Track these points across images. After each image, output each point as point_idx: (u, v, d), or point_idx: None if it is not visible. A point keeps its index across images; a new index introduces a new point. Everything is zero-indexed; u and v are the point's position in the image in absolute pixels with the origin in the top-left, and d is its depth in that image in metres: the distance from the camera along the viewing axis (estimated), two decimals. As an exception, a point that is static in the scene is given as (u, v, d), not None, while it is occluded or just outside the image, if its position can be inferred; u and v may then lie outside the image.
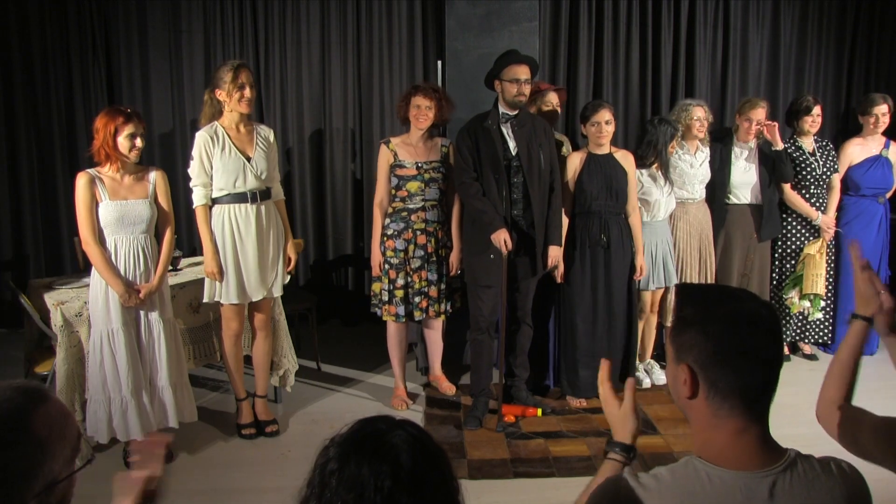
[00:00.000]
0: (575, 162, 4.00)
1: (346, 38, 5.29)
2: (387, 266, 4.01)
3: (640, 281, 4.17)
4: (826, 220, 4.63)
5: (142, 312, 3.36)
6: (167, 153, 5.29)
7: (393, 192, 4.00)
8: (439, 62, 5.29)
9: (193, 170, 3.57)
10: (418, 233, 3.97)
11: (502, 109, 3.79)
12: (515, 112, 3.77)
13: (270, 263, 3.67)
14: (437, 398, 4.24)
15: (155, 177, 3.42)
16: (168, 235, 3.45)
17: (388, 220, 4.02)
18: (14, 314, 4.84)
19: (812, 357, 4.84)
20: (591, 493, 1.29)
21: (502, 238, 3.65)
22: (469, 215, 3.88)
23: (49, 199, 5.26)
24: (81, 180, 3.27)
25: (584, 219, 4.00)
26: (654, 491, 1.22)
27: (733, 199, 4.55)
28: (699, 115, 4.33)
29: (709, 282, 4.37)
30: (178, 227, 4.29)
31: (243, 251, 3.59)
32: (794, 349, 4.92)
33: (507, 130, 3.78)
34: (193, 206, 3.59)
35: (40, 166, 5.20)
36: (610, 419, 1.48)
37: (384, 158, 4.01)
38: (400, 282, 4.00)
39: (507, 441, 3.71)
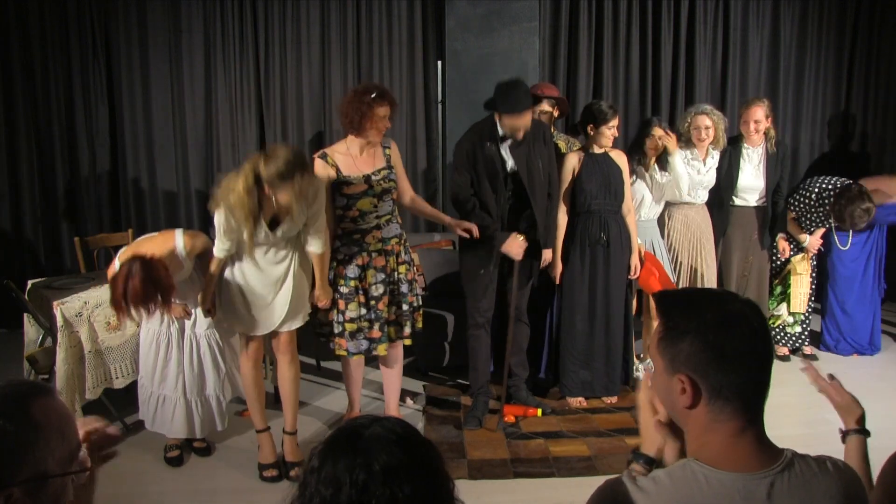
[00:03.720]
0: (573, 162, 4.01)
1: (346, 38, 5.29)
2: (336, 295, 3.51)
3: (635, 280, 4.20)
4: (813, 243, 4.66)
5: (187, 323, 3.43)
6: (166, 153, 5.29)
7: (340, 212, 3.50)
8: (439, 62, 5.30)
9: (218, 234, 3.17)
10: (375, 255, 3.52)
11: (501, 130, 3.70)
12: None
13: (278, 298, 3.31)
14: (437, 398, 4.24)
15: (182, 244, 3.24)
16: (213, 265, 3.29)
17: (337, 243, 3.53)
18: (14, 314, 4.84)
19: (812, 357, 4.84)
20: (590, 497, 1.29)
21: (517, 248, 3.66)
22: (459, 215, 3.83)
23: (49, 199, 5.26)
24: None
25: (584, 218, 4.01)
26: (653, 494, 1.22)
27: (738, 202, 4.56)
28: (702, 124, 4.28)
29: (705, 284, 4.38)
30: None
31: (248, 282, 3.27)
32: (795, 350, 4.92)
33: (504, 147, 3.72)
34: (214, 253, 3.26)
35: (40, 166, 5.20)
36: (642, 428, 1.43)
37: (324, 175, 3.43)
38: (350, 314, 3.51)
39: (507, 441, 3.71)
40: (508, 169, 3.73)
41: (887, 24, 5.80)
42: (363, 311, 3.53)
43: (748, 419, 1.23)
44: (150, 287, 2.96)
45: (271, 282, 3.29)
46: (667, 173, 4.19)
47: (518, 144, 3.72)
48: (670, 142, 4.16)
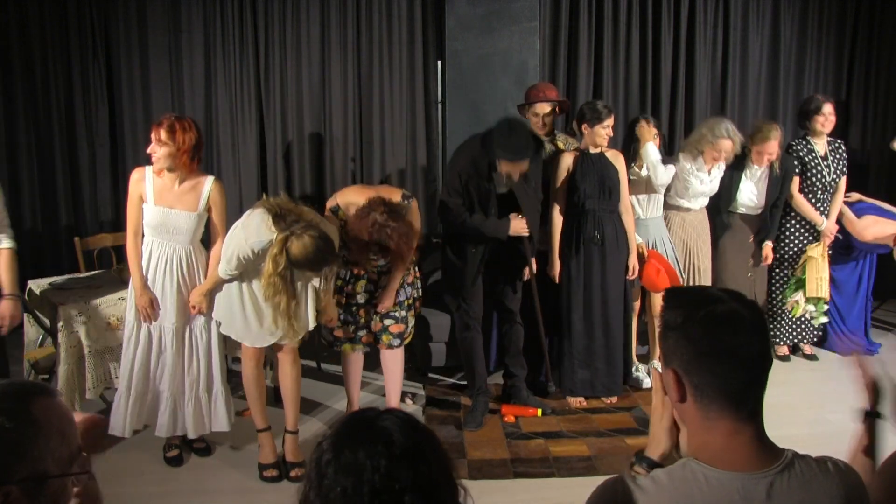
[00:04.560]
0: (568, 161, 4.01)
1: (346, 38, 5.29)
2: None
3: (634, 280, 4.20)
4: (829, 227, 4.62)
5: (172, 318, 3.33)
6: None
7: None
8: (439, 62, 5.30)
9: (231, 257, 3.16)
10: (370, 271, 3.66)
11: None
12: None
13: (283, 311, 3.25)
14: (437, 398, 4.24)
15: (210, 189, 3.28)
16: (216, 251, 3.31)
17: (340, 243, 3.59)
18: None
19: (812, 357, 4.84)
20: (590, 496, 1.30)
21: (520, 226, 3.68)
22: (448, 231, 3.85)
23: (49, 199, 5.25)
24: (133, 176, 3.29)
25: (578, 217, 4.01)
26: (652, 493, 1.22)
27: (739, 210, 4.56)
28: (726, 148, 4.19)
29: (704, 281, 4.40)
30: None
31: (249, 294, 3.29)
32: (795, 349, 4.92)
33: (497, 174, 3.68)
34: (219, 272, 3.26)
35: (40, 166, 5.20)
36: (651, 431, 1.41)
37: (334, 221, 3.51)
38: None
39: (507, 441, 3.71)
40: (499, 192, 3.72)
41: (887, 24, 5.80)
42: (339, 311, 3.64)
43: (741, 418, 1.23)
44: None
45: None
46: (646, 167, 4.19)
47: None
48: (646, 133, 4.16)
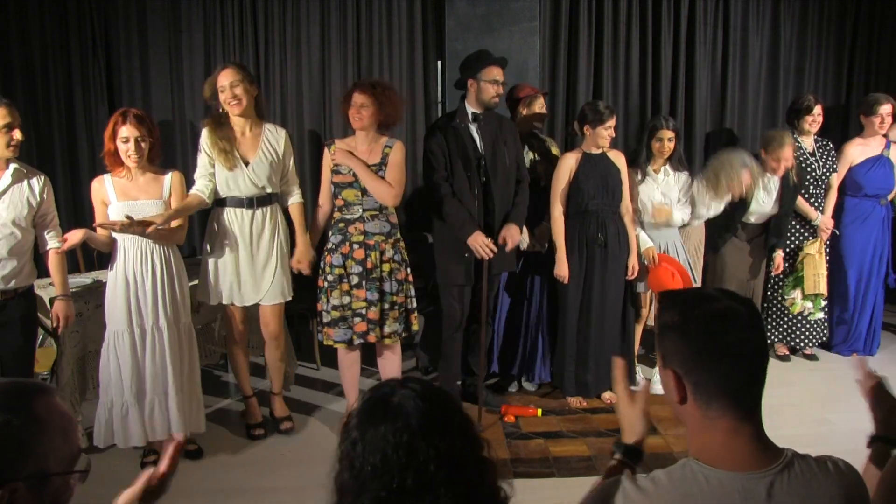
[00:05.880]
0: (570, 162, 4.00)
1: (346, 38, 5.28)
2: (325, 284, 3.66)
3: (636, 283, 4.18)
4: (825, 221, 4.64)
5: (159, 317, 3.30)
6: (167, 153, 5.27)
7: (333, 199, 3.71)
8: (439, 62, 5.30)
9: (198, 164, 3.60)
10: (356, 246, 3.60)
11: (471, 109, 3.75)
12: (482, 111, 3.75)
13: (261, 270, 3.58)
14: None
15: (171, 178, 3.40)
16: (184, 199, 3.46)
17: (330, 232, 3.71)
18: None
19: (812, 357, 4.84)
20: (589, 496, 1.30)
21: (480, 241, 3.62)
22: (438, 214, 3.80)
23: (49, 199, 5.25)
24: (93, 185, 3.35)
25: (581, 218, 4.00)
26: (652, 494, 1.22)
27: (750, 220, 4.55)
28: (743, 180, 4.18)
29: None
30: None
31: (234, 254, 3.55)
32: (795, 349, 4.91)
33: (474, 129, 3.75)
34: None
35: (40, 166, 5.18)
36: (621, 420, 1.50)
37: (326, 162, 3.71)
38: (334, 301, 3.62)
39: (507, 441, 3.71)
40: (481, 150, 3.71)
41: (887, 24, 5.79)
42: (346, 299, 3.62)
43: (740, 416, 1.24)
44: None
45: (256, 250, 3.53)
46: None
47: (487, 122, 3.73)
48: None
